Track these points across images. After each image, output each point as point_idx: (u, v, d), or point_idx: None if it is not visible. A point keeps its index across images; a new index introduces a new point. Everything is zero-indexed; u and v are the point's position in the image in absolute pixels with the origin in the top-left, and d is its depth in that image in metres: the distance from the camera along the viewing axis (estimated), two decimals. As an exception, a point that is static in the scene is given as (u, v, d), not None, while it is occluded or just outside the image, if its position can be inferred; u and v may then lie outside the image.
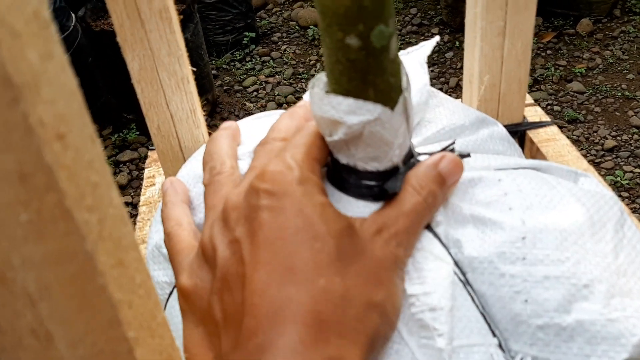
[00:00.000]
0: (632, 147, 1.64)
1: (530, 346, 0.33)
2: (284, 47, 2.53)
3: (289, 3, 3.19)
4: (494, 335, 0.33)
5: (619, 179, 1.56)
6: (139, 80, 0.50)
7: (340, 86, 0.33)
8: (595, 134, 1.79)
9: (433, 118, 0.46)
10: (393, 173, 0.37)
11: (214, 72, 2.28)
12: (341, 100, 0.33)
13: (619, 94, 1.98)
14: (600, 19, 2.47)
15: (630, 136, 1.69)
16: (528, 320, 0.33)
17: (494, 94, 0.59)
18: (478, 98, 0.59)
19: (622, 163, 1.65)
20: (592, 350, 0.32)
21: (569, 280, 0.33)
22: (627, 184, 1.56)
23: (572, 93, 2.04)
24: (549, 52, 2.33)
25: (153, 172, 0.60)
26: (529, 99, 0.66)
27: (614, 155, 1.63)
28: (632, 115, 1.83)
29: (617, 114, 1.88)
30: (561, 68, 2.19)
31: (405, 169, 0.37)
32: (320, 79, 0.36)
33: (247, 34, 2.48)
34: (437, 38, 0.54)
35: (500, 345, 0.33)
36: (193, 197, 0.42)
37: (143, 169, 0.56)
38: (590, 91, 2.02)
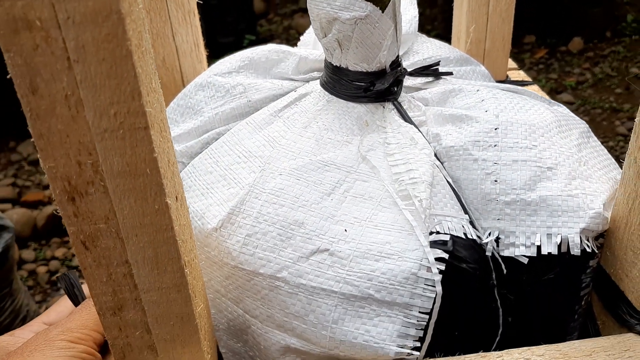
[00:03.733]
0: (618, 153, 1.70)
1: (498, 221, 0.36)
2: (284, 52, 2.59)
3: (290, 13, 3.27)
4: (466, 212, 0.36)
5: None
6: (148, 10, 0.54)
7: (336, -17, 0.37)
8: (582, 141, 1.85)
9: (420, 49, 0.50)
10: (381, 75, 0.41)
11: (212, 70, 2.34)
12: (336, -3, 0.37)
13: (607, 106, 2.04)
14: (591, 39, 2.55)
15: (616, 143, 1.76)
16: (497, 197, 0.36)
17: (480, 49, 0.63)
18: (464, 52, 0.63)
19: (607, 169, 1.70)
20: (553, 222, 0.35)
21: (536, 163, 0.36)
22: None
23: (562, 103, 2.11)
24: (541, 66, 2.40)
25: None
26: (512, 64, 0.70)
27: (600, 162, 1.69)
28: (619, 125, 1.89)
29: (605, 123, 1.94)
30: (552, 81, 2.26)
31: (392, 74, 0.41)
32: (318, -17, 0.40)
33: (247, 36, 2.54)
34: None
35: (471, 222, 0.36)
36: (194, 103, 0.45)
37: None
38: (580, 102, 2.08)
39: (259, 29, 2.90)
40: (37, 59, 0.22)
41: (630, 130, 1.80)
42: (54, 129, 0.23)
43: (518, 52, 2.54)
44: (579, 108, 2.07)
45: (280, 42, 2.86)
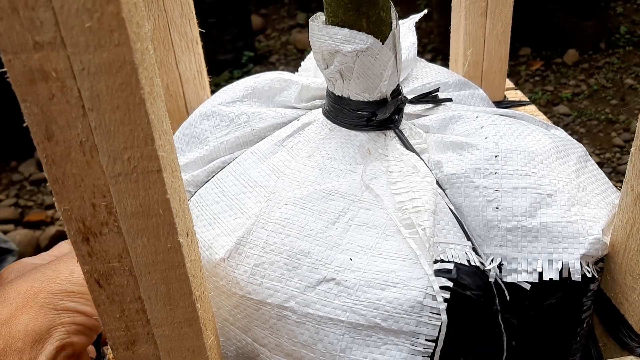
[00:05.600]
0: (615, 164, 1.71)
1: (500, 247, 0.37)
2: (281, 67, 2.62)
3: (287, 29, 3.29)
4: (469, 239, 0.37)
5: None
6: (152, 39, 0.55)
7: (337, 17, 0.38)
8: (580, 153, 1.86)
9: (420, 75, 0.51)
10: (382, 104, 0.42)
11: (212, 88, 2.35)
12: (337, 31, 0.38)
13: (603, 117, 2.06)
14: (586, 51, 2.57)
15: (612, 154, 1.77)
16: (499, 224, 0.37)
17: (477, 71, 0.64)
18: (462, 75, 0.64)
19: (605, 181, 1.71)
20: (554, 248, 0.36)
21: (535, 190, 0.37)
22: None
23: (559, 115, 2.12)
24: (537, 78, 2.42)
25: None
26: (509, 84, 0.72)
27: (598, 174, 1.70)
28: (615, 136, 1.90)
29: (601, 134, 1.95)
30: (548, 93, 2.28)
31: (394, 102, 0.42)
32: (319, 17, 0.41)
33: (246, 53, 2.56)
34: (425, 11, 0.59)
35: (474, 249, 0.37)
36: (199, 132, 0.46)
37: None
38: (576, 114, 2.10)
39: (257, 45, 2.92)
40: (52, 107, 0.22)
41: (626, 141, 1.81)
42: (68, 174, 0.24)
43: (514, 64, 2.56)
44: (575, 120, 2.09)
45: (279, 58, 2.88)
